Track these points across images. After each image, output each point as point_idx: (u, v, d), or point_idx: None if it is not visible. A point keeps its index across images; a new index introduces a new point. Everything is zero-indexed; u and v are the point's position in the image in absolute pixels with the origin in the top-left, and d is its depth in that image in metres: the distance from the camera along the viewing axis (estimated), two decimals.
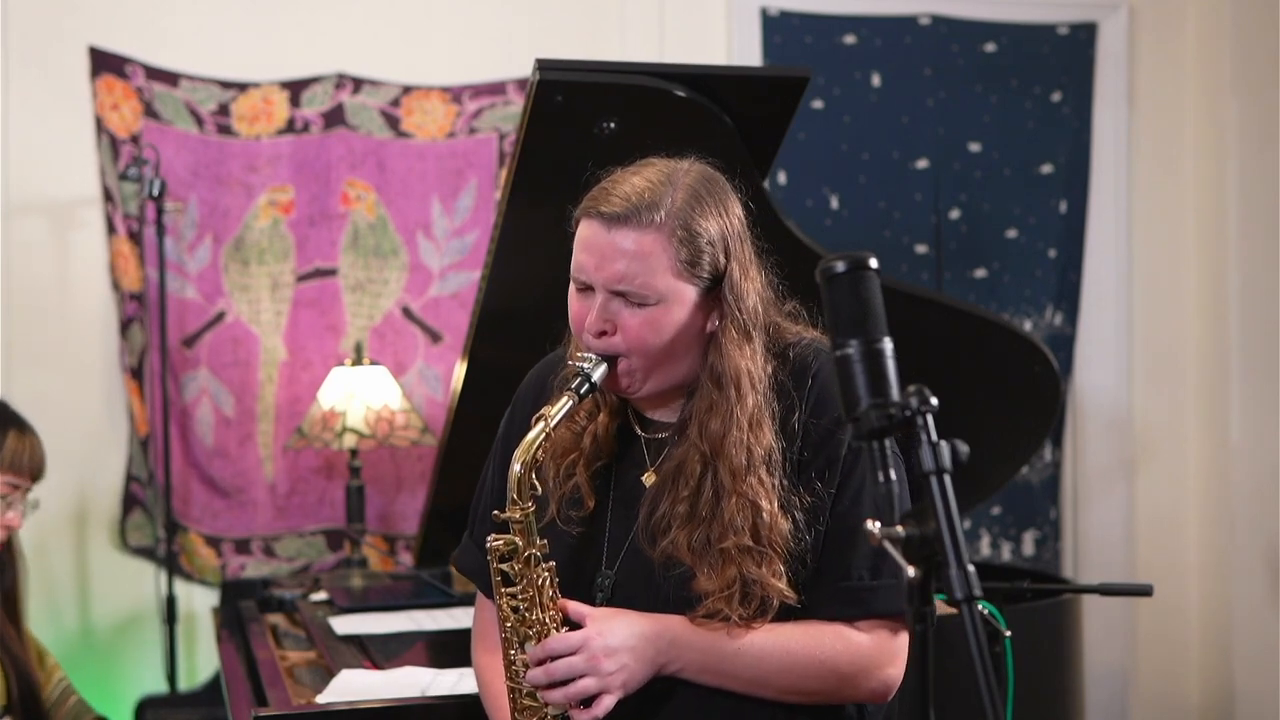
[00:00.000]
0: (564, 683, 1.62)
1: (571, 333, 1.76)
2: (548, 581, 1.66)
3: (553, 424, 1.65)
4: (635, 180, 1.68)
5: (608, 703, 1.62)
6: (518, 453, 1.64)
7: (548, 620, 1.66)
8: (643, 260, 1.64)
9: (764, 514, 1.64)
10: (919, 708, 1.24)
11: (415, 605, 2.94)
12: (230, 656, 2.71)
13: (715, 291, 1.69)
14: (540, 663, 1.63)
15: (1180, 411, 4.30)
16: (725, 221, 1.70)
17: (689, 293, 1.67)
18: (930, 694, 1.24)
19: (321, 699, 2.21)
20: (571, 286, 1.72)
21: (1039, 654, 2.99)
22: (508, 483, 1.65)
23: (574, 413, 1.70)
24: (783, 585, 1.64)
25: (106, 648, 3.68)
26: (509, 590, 1.67)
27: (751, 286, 1.71)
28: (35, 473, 2.59)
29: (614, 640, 1.63)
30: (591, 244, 1.67)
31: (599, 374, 1.66)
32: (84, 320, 3.67)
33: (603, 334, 1.67)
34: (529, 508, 1.65)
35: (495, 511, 1.67)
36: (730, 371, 1.67)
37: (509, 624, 1.68)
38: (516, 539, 1.66)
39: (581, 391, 1.66)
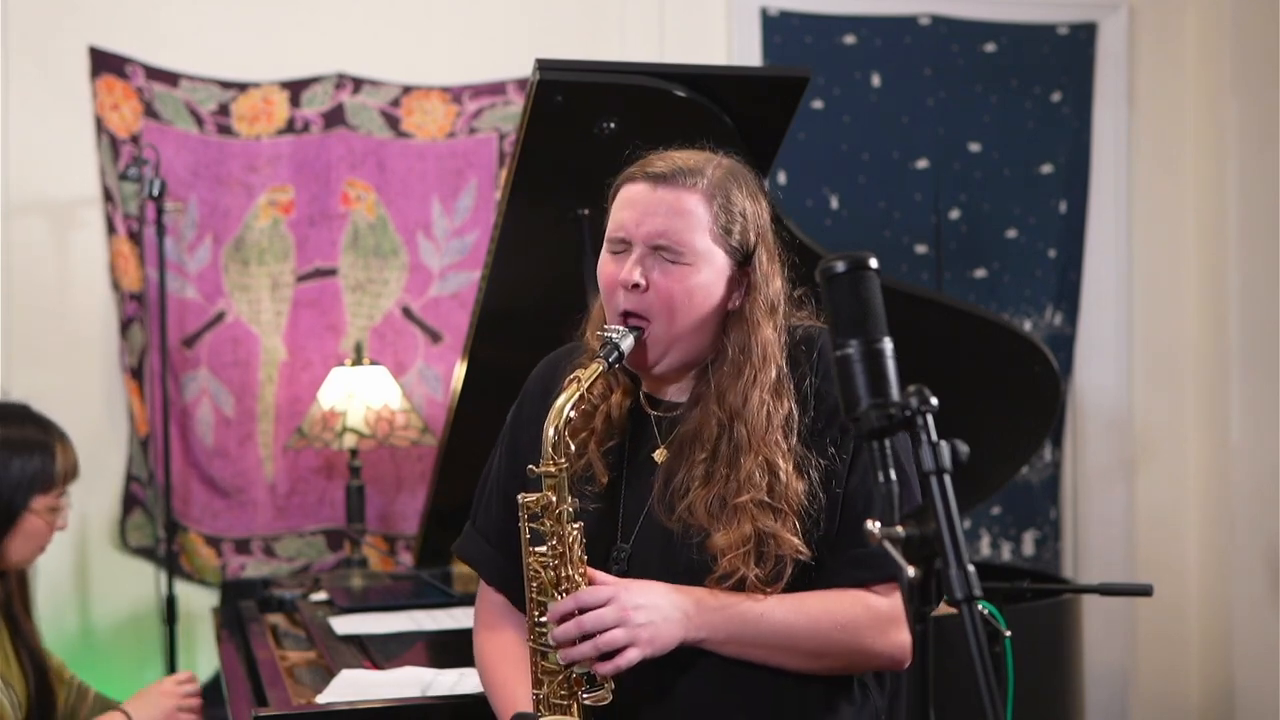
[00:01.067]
0: (593, 637, 1.64)
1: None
2: (577, 540, 1.69)
3: (585, 385, 1.70)
4: (676, 153, 1.77)
5: (632, 655, 1.64)
6: (550, 416, 1.68)
7: (577, 577, 1.69)
8: (684, 217, 1.71)
9: (780, 473, 1.69)
10: (919, 707, 1.24)
11: (415, 605, 2.94)
12: (230, 656, 2.71)
13: (743, 267, 1.76)
14: (569, 615, 1.65)
15: (1180, 411, 4.30)
16: (757, 206, 1.78)
17: (720, 258, 1.74)
18: (930, 694, 1.24)
19: (321, 699, 2.21)
20: (604, 254, 1.77)
21: (1039, 654, 2.99)
22: (543, 442, 1.68)
23: (586, 391, 1.73)
24: (797, 541, 1.68)
25: (106, 648, 3.68)
26: (538, 550, 1.70)
27: (777, 270, 1.79)
28: (78, 473, 2.64)
29: (642, 598, 1.66)
30: (634, 201, 1.74)
31: (627, 344, 1.71)
32: (84, 320, 3.67)
33: (635, 287, 1.72)
34: (563, 464, 1.69)
35: (530, 466, 1.70)
36: (757, 343, 1.73)
37: (536, 584, 1.70)
38: (550, 494, 1.69)
39: (611, 359, 1.70)
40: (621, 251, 1.74)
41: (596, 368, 1.70)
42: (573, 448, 1.72)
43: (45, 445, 2.52)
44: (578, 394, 1.69)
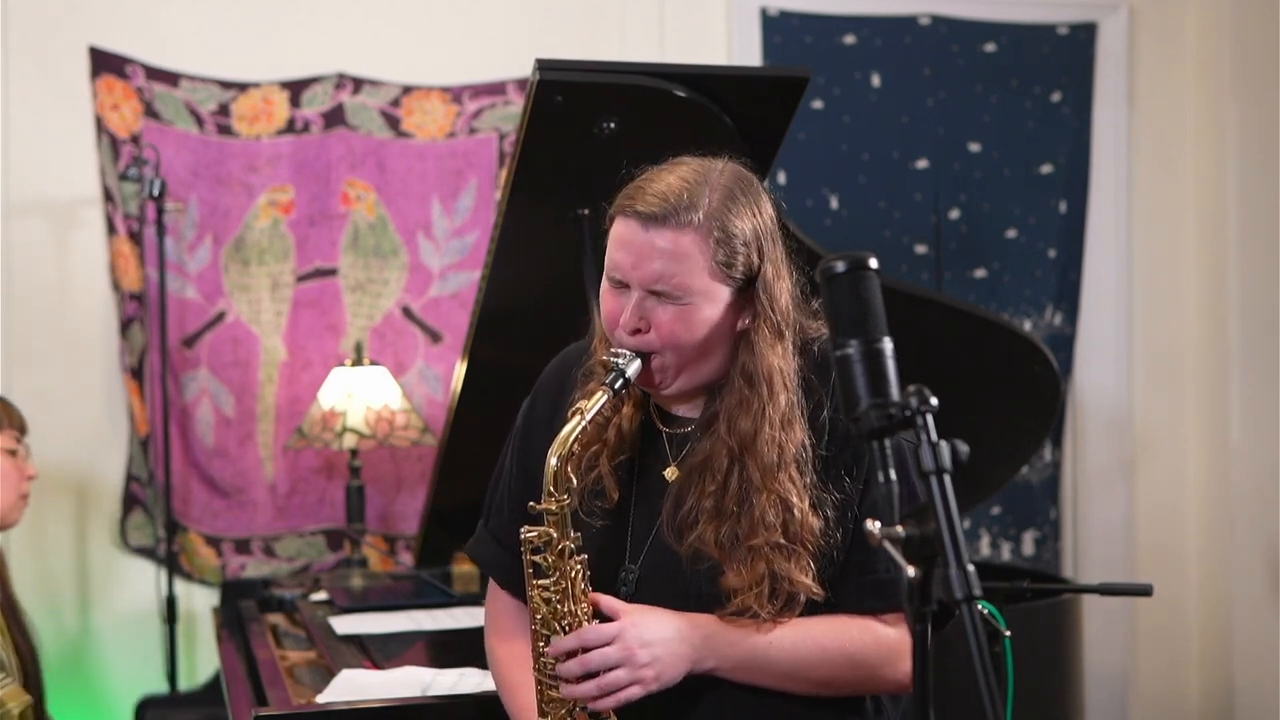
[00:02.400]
0: (596, 675, 1.63)
1: (597, 326, 1.77)
2: (580, 574, 1.67)
3: (588, 418, 1.66)
4: (671, 179, 1.68)
5: (635, 692, 1.63)
6: (554, 446, 1.65)
7: (579, 613, 1.67)
8: (679, 260, 1.65)
9: (795, 511, 1.65)
10: (919, 708, 1.24)
11: (415, 605, 2.94)
12: (230, 656, 2.71)
13: (748, 291, 1.70)
14: (572, 653, 1.64)
15: (1180, 411, 4.30)
16: (759, 221, 1.70)
17: (723, 292, 1.68)
18: (930, 694, 1.24)
19: (321, 699, 2.21)
20: (604, 283, 1.72)
21: (1039, 654, 2.99)
22: (544, 475, 1.65)
23: (604, 407, 1.70)
24: (810, 581, 1.65)
25: (106, 648, 3.68)
26: (540, 582, 1.68)
27: (784, 286, 1.72)
28: (25, 428, 2.73)
29: (649, 634, 1.64)
30: (628, 243, 1.67)
31: (633, 370, 1.67)
32: (84, 320, 3.67)
33: (636, 331, 1.68)
34: (565, 500, 1.66)
35: (531, 503, 1.67)
36: (763, 370, 1.68)
37: (539, 616, 1.69)
38: (551, 530, 1.66)
39: (616, 386, 1.66)
40: (620, 287, 1.69)
41: (600, 396, 1.65)
42: (574, 481, 1.68)
43: None
44: (581, 426, 1.65)
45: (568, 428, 1.65)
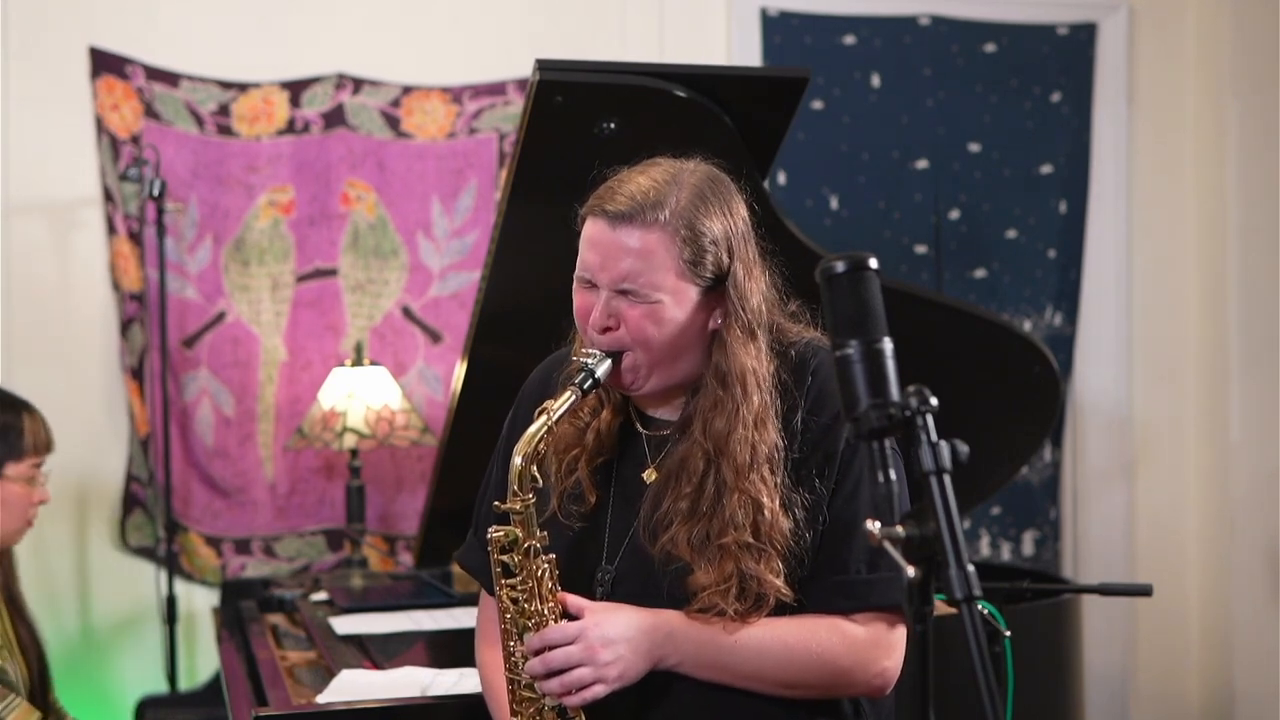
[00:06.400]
0: (560, 673, 1.64)
1: (577, 330, 1.78)
2: (547, 574, 1.68)
3: (555, 418, 1.67)
4: (640, 180, 1.70)
5: (598, 691, 1.63)
6: (519, 445, 1.66)
7: (546, 612, 1.68)
8: (646, 258, 1.66)
9: (765, 511, 1.65)
10: (919, 708, 1.24)
11: (415, 605, 2.94)
12: (230, 656, 2.71)
13: (718, 290, 1.71)
14: (538, 652, 1.65)
15: (1180, 411, 4.30)
16: (729, 221, 1.71)
17: (691, 291, 1.69)
18: (930, 694, 1.24)
19: (321, 699, 2.21)
20: (576, 283, 1.73)
21: (1039, 654, 2.99)
22: (509, 475, 1.67)
23: (577, 408, 1.72)
24: (780, 583, 1.65)
25: (106, 648, 3.68)
26: (509, 582, 1.69)
27: (755, 286, 1.73)
28: (51, 446, 2.69)
29: (611, 631, 1.65)
30: (596, 242, 1.69)
31: (603, 370, 1.68)
32: (84, 320, 3.67)
33: (606, 330, 1.69)
34: (529, 499, 1.67)
35: (496, 502, 1.69)
36: (735, 370, 1.69)
37: (508, 615, 1.70)
38: (516, 530, 1.67)
39: (585, 386, 1.67)
40: (590, 286, 1.71)
41: (568, 396, 1.67)
42: (539, 481, 1.69)
43: (13, 414, 2.61)
44: (546, 425, 1.66)
45: (533, 427, 1.67)
